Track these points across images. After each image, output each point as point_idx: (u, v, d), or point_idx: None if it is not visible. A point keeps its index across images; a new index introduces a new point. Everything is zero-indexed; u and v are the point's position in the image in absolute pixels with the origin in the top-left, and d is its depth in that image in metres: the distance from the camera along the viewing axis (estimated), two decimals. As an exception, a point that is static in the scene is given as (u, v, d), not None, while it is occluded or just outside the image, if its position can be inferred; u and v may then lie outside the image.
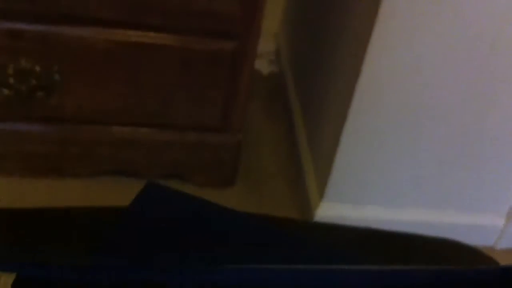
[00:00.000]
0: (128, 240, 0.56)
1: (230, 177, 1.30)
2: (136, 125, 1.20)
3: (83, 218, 0.64)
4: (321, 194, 1.22)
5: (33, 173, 1.23)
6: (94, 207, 0.66)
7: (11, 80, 1.10)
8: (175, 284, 0.48)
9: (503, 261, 0.66)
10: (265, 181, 1.35)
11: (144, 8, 1.06)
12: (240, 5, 1.06)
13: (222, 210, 0.60)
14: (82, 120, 1.18)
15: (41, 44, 1.07)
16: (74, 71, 1.11)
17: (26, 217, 0.64)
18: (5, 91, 1.11)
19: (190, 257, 0.56)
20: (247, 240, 0.60)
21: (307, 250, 0.62)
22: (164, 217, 0.59)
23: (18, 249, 0.58)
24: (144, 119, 1.20)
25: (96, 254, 0.57)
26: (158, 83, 1.15)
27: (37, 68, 1.09)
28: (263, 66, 1.66)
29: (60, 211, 0.66)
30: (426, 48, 1.03)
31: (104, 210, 0.64)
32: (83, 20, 1.06)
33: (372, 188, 1.21)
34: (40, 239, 0.61)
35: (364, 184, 1.21)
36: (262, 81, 1.62)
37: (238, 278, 0.49)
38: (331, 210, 1.22)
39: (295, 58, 1.55)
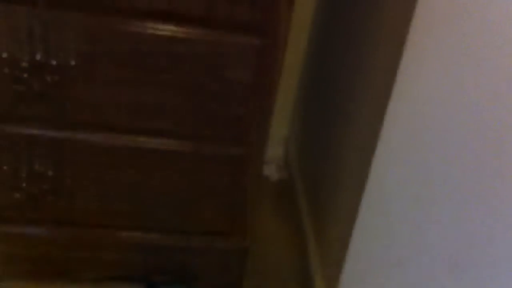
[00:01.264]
0: None
1: (236, 281, 1.28)
2: (144, 229, 1.20)
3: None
4: (330, 302, 1.19)
5: (39, 277, 1.22)
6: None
7: (24, 184, 1.12)
8: None
9: None
10: (273, 285, 1.33)
11: (155, 114, 1.09)
12: (249, 108, 1.09)
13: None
14: (90, 223, 1.18)
15: (55, 149, 1.10)
16: (85, 175, 1.13)
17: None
18: (17, 195, 1.13)
19: None
20: None
21: None
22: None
23: None
24: (151, 223, 1.20)
25: None
26: (166, 188, 1.16)
27: (50, 173, 1.11)
28: (272, 172, 1.67)
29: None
30: (434, 157, 1.05)
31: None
32: (96, 126, 1.09)
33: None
34: None
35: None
36: (271, 187, 1.63)
37: None
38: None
39: (304, 163, 1.57)
